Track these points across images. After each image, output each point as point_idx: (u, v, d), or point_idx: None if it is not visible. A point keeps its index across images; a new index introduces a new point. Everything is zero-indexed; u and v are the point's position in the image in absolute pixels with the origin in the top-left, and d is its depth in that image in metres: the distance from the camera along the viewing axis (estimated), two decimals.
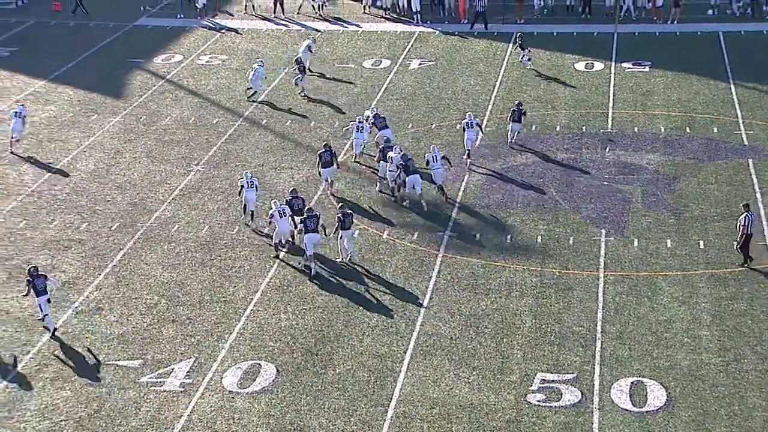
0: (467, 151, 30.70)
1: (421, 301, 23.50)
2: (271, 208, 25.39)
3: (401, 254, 25.66)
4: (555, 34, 43.74)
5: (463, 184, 29.46)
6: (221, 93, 37.37)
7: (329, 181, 28.79)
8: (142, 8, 47.90)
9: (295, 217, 25.47)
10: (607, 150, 31.55)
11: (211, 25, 45.98)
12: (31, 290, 22.31)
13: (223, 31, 44.97)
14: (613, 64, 39.61)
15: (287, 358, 21.47)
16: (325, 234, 25.17)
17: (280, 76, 38.79)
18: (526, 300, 23.47)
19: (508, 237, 26.47)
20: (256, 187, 27.10)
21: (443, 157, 28.43)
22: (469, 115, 31.13)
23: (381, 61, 40.49)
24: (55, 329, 22.44)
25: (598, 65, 39.66)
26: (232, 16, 47.27)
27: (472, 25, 44.33)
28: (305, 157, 31.36)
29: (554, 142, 32.31)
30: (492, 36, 42.97)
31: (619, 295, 23.60)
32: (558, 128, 33.47)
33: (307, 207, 25.62)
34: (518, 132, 32.01)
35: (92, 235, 26.87)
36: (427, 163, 28.22)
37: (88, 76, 39.19)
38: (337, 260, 25.28)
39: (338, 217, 25.08)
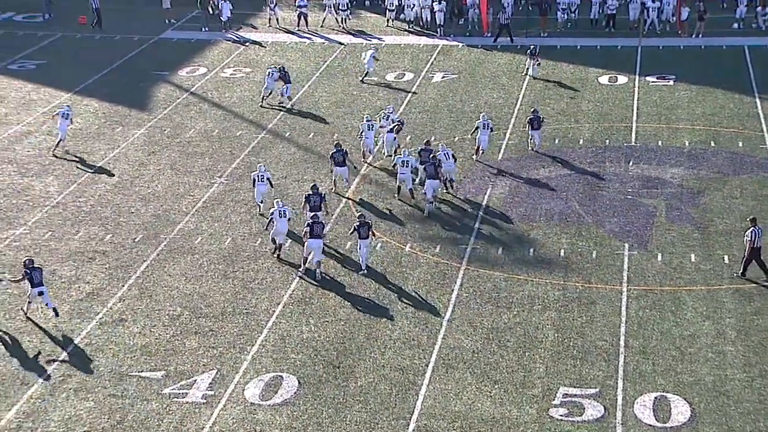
0: (482, 152, 31.61)
1: (443, 314, 23.47)
2: (273, 206, 26.00)
3: (423, 267, 25.65)
4: (579, 47, 43.69)
5: (486, 197, 29.44)
6: (245, 105, 37.58)
7: (345, 181, 29.34)
8: (167, 21, 48.26)
9: (310, 213, 26.01)
10: (631, 164, 31.44)
11: (235, 38, 46.27)
12: (27, 280, 23.02)
13: (247, 44, 45.24)
14: (637, 77, 39.51)
15: (309, 370, 21.49)
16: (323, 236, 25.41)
17: (303, 89, 38.95)
18: (548, 314, 23.39)
19: (531, 250, 26.41)
20: (269, 181, 28.08)
21: (452, 156, 29.32)
22: (483, 115, 31.87)
23: (404, 74, 40.58)
24: (55, 309, 23.40)
25: (622, 79, 39.56)
26: (256, 29, 47.55)
27: (495, 39, 44.37)
28: (327, 169, 31.43)
29: (578, 156, 32.23)
30: (515, 49, 42.96)
31: (643, 309, 23.48)
32: (581, 141, 33.40)
33: (313, 213, 25.83)
34: (537, 139, 32.17)
35: (116, 246, 27.05)
36: (440, 162, 28.72)
37: (113, 89, 39.52)
38: (360, 272, 25.36)
39: (354, 226, 25.30)
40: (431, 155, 29.05)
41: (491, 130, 31.84)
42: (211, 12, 47.63)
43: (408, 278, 25.13)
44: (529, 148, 32.52)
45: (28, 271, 23.03)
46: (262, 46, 44.85)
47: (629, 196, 29.28)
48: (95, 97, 38.67)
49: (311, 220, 25.14)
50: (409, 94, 37.78)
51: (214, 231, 27.80)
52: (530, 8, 47.10)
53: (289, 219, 25.90)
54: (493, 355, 21.84)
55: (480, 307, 23.76)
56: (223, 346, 22.42)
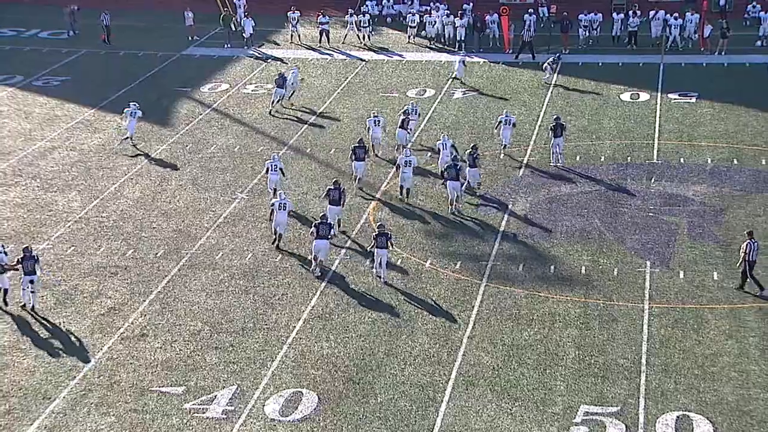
0: (505, 147, 33.18)
1: (463, 331, 23.43)
2: (276, 198, 27.39)
3: (444, 283, 25.63)
4: (600, 64, 43.66)
5: (507, 213, 29.42)
6: (266, 122, 37.75)
7: (358, 178, 30.27)
8: (190, 38, 48.62)
9: (330, 206, 27.44)
10: (653, 181, 31.34)
11: (257, 54, 46.55)
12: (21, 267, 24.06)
13: (269, 60, 45.49)
14: (660, 94, 39.42)
15: (329, 386, 21.49)
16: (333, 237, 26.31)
17: (324, 105, 39.11)
18: (569, 331, 23.30)
19: (552, 267, 26.34)
20: (281, 170, 30.08)
21: (452, 145, 30.94)
22: (506, 111, 33.59)
23: (425, 91, 40.68)
24: (26, 306, 24.36)
25: (644, 96, 39.48)
26: (279, 45, 47.82)
27: (517, 56, 44.41)
28: (348, 184, 31.51)
29: (599, 173, 32.17)
30: (537, 66, 42.97)
31: (665, 327, 23.34)
32: (603, 159, 33.33)
33: (322, 214, 26.62)
34: (560, 147, 32.26)
35: (137, 261, 27.20)
36: (438, 151, 30.89)
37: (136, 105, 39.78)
38: (380, 278, 25.65)
39: (373, 236, 25.61)
40: (475, 158, 30.26)
41: (513, 126, 33.20)
42: (233, 29, 47.95)
43: (428, 294, 25.11)
44: (552, 162, 32.62)
45: (21, 259, 24.01)
46: (284, 63, 45.06)
47: (651, 214, 29.17)
48: (118, 112, 38.89)
49: (318, 221, 25.88)
50: (431, 111, 37.84)
51: (234, 246, 27.91)
52: (552, 25, 47.14)
53: (289, 211, 27.32)
54: (513, 372, 21.77)
55: (500, 323, 23.70)
56: (243, 361, 22.46)
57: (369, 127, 33.15)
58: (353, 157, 30.85)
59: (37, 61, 45.91)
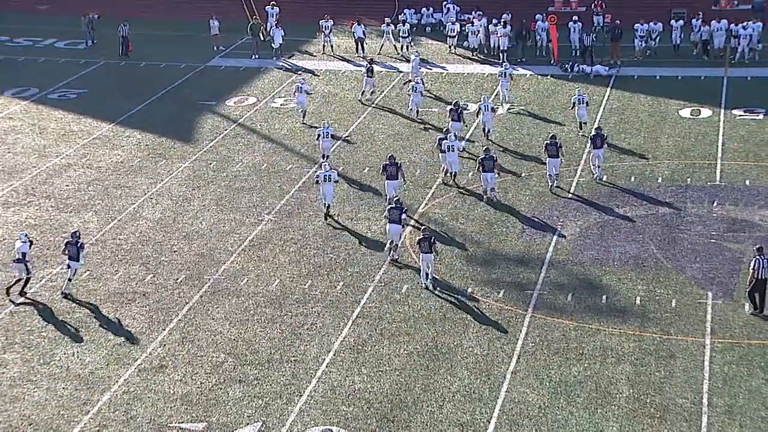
0: (585, 125, 36.72)
1: (506, 366, 23.36)
2: (321, 170, 30.43)
3: (486, 313, 25.60)
4: (658, 77, 43.54)
5: (554, 238, 29.36)
6: (296, 138, 38.02)
7: (394, 194, 30.48)
8: (215, 48, 49.15)
9: (388, 181, 30.50)
10: (715, 204, 31.15)
11: (287, 66, 46.94)
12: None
13: (299, 72, 45.84)
14: (723, 111, 39.22)
15: (361, 424, 21.51)
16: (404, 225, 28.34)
17: (358, 120, 39.34)
18: (623, 367, 23.16)
19: (604, 297, 26.22)
20: (331, 136, 34.22)
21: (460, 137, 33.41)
22: (579, 90, 37.34)
23: (468, 105, 40.75)
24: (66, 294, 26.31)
25: (706, 112, 39.29)
26: (314, 56, 48.17)
27: (571, 68, 44.27)
28: (383, 207, 31.61)
29: (656, 195, 32.03)
30: (588, 79, 42.95)
31: (728, 364, 23.13)
32: (660, 180, 33.19)
33: (396, 197, 29.30)
34: (600, 159, 32.82)
35: (157, 287, 27.44)
36: (449, 149, 32.30)
37: (156, 120, 40.30)
38: (427, 289, 26.34)
39: (418, 240, 26.30)
40: (557, 148, 32.11)
41: (587, 105, 36.93)
42: (262, 38, 48.41)
43: (469, 325, 25.09)
44: (594, 175, 32.79)
45: (66, 243, 26.48)
46: (315, 75, 45.41)
47: (713, 240, 28.97)
48: (138, 128, 39.45)
49: (389, 205, 28.54)
50: (473, 127, 37.89)
51: (261, 272, 28.08)
52: (606, 35, 47.12)
53: (336, 182, 30.47)
54: (561, 412, 21.66)
55: (547, 358, 23.61)
56: (269, 396, 22.55)
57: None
58: (385, 176, 31.20)
59: (52, 72, 46.63)
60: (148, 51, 49.14)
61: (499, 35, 46.34)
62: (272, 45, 47.73)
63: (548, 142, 32.69)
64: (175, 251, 29.42)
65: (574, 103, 36.86)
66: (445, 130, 35.01)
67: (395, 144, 36.75)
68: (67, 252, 26.65)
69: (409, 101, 39.34)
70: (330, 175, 30.31)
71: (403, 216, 27.91)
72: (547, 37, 46.49)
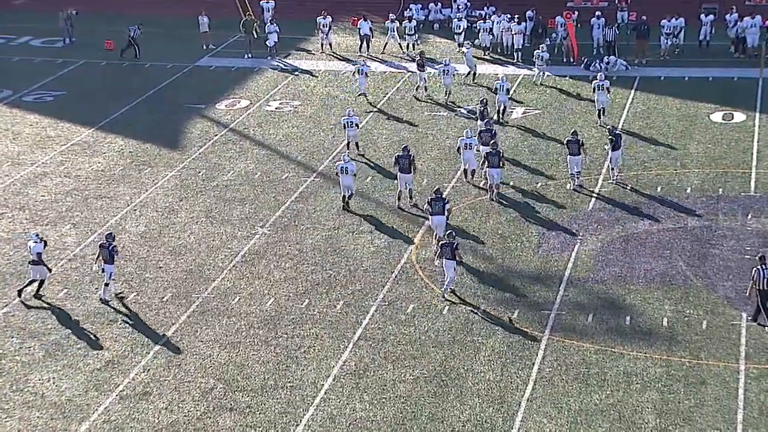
0: (600, 111, 38.73)
1: (522, 393, 23.36)
2: (340, 161, 32.12)
3: (499, 335, 25.62)
4: (686, 78, 43.61)
5: (573, 253, 29.38)
6: (292, 144, 38.11)
7: (407, 188, 31.90)
8: (204, 46, 49.30)
9: (401, 174, 31.89)
10: (750, 217, 31.17)
11: (282, 66, 47.07)
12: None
13: (296, 72, 45.97)
14: (758, 114, 39.27)
15: None
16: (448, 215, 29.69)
17: (360, 124, 39.38)
18: (648, 394, 23.15)
19: (628, 318, 26.23)
20: (356, 125, 35.96)
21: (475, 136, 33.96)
22: (600, 76, 38.92)
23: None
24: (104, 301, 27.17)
25: (739, 116, 39.33)
26: (313, 54, 48.28)
27: (589, 65, 44.40)
28: (387, 219, 31.69)
29: (685, 206, 32.05)
30: (612, 80, 42.98)
31: (765, 392, 23.12)
32: (689, 190, 33.22)
33: (436, 188, 30.41)
34: (617, 161, 33.41)
35: (141, 306, 27.47)
36: (466, 146, 33.32)
37: (141, 124, 40.40)
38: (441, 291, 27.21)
39: (442, 244, 27.05)
40: (578, 145, 33.04)
41: (608, 90, 38.76)
42: (255, 36, 48.56)
43: (480, 348, 25.10)
44: (611, 179, 33.23)
45: (100, 246, 27.30)
46: (314, 76, 45.54)
47: (747, 256, 28.96)
48: (120, 133, 39.55)
49: (431, 196, 29.56)
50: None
51: (254, 290, 28.12)
52: (629, 32, 47.22)
53: (355, 174, 32.14)
54: None
55: (566, 384, 23.61)
56: (262, 425, 22.56)
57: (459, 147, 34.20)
58: (398, 169, 32.35)
59: (27, 73, 46.82)
60: (131, 50, 49.25)
61: (513, 33, 46.43)
62: (266, 43, 47.86)
63: (569, 138, 33.27)
64: (160, 267, 29.47)
65: (594, 89, 38.51)
66: (464, 129, 35.36)
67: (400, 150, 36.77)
68: (100, 256, 27.33)
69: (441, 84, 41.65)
70: (347, 167, 31.86)
71: (446, 206, 29.49)
72: (565, 32, 46.55)
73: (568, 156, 33.19)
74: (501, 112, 39.15)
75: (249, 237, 31.11)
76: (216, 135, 39.21)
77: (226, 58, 48.37)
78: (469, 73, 43.82)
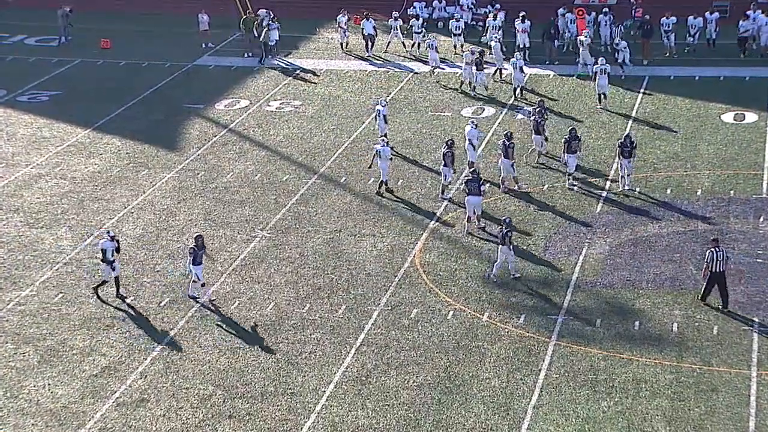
0: (601, 95, 40.34)
1: (528, 399, 23.35)
2: (375, 147, 33.33)
3: (504, 341, 25.61)
4: (697, 78, 43.59)
5: (581, 257, 29.37)
6: (293, 145, 38.13)
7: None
8: (203, 45, 49.32)
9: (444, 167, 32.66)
10: (762, 220, 31.15)
11: (283, 65, 47.08)
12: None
13: (297, 72, 45.98)
14: None
15: None
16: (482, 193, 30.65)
17: (362, 126, 39.41)
18: (658, 401, 23.14)
19: (637, 323, 26.22)
20: (384, 117, 36.31)
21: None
22: (602, 60, 39.90)
23: (483, 109, 40.84)
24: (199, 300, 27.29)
25: (751, 116, 39.32)
26: (316, 53, 48.25)
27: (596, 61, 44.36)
28: (390, 221, 31.69)
29: (694, 209, 32.04)
30: (620, 80, 43.02)
31: None
32: (699, 192, 33.20)
33: (472, 169, 31.55)
34: (630, 170, 32.98)
35: (138, 311, 27.47)
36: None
37: (138, 125, 40.42)
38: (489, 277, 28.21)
39: (500, 231, 28.15)
40: (578, 142, 33.66)
41: (609, 75, 39.95)
42: (256, 35, 48.55)
43: (485, 354, 25.09)
44: (620, 187, 33.01)
45: (194, 249, 27.44)
46: (315, 75, 45.55)
47: (759, 260, 28.96)
48: (117, 134, 39.57)
49: (467, 176, 30.92)
50: (490, 133, 37.97)
51: (254, 294, 28.12)
52: (632, 32, 47.15)
53: (390, 159, 33.28)
54: None
55: (573, 391, 23.60)
56: None
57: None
58: (444, 162, 32.87)
59: (22, 72, 46.85)
60: (129, 49, 49.33)
61: (518, 30, 46.35)
62: (267, 42, 47.85)
63: (568, 136, 33.45)
64: (158, 271, 29.48)
65: (595, 74, 39.79)
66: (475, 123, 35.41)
67: (405, 151, 36.81)
68: (191, 255, 27.53)
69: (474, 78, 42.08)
70: (381, 151, 33.20)
71: (483, 187, 30.63)
72: (576, 32, 46.48)
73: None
74: (519, 89, 41.11)
75: (249, 240, 31.11)
76: (215, 136, 39.23)
77: (225, 57, 48.38)
78: (496, 70, 43.60)
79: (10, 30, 53.06)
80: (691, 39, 46.24)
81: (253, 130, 39.70)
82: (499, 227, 28.46)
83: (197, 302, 27.45)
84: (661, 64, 45.12)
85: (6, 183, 35.61)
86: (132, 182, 35.41)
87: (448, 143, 33.11)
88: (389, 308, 27.12)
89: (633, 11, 49.02)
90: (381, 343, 25.61)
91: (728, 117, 39.37)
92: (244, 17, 49.09)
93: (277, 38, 47.88)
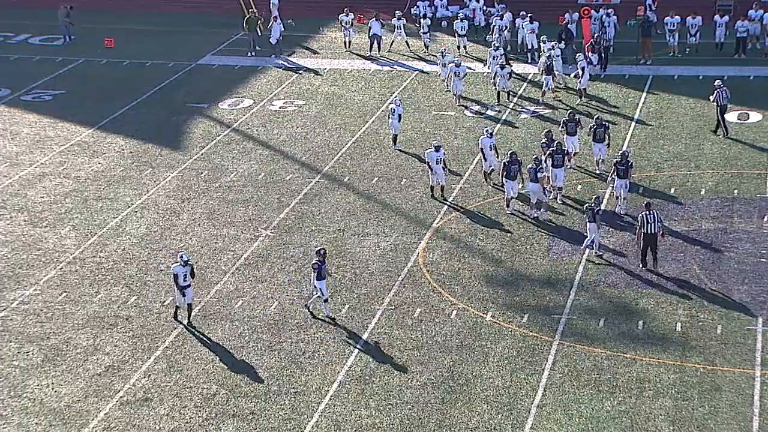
0: (582, 90, 40.79)
1: (531, 399, 23.37)
2: (429, 149, 33.04)
3: (508, 340, 25.62)
4: (701, 77, 43.55)
5: (584, 257, 29.37)
6: (296, 144, 38.15)
7: (513, 195, 31.81)
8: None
9: (507, 181, 31.69)
10: (766, 219, 31.14)
11: (286, 64, 47.11)
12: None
13: (300, 71, 46.01)
14: None
15: None
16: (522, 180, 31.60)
17: (365, 126, 39.43)
18: (662, 401, 23.15)
19: (640, 323, 26.23)
20: (399, 116, 36.67)
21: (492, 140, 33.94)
22: (580, 56, 40.54)
23: (487, 108, 40.83)
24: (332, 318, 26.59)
25: (755, 116, 39.31)
26: (317, 53, 48.32)
27: (604, 65, 44.17)
28: (393, 221, 31.72)
29: (698, 209, 32.03)
30: (623, 79, 43.03)
31: None
32: (703, 192, 33.20)
33: (512, 155, 31.70)
34: (626, 191, 31.69)
35: (141, 310, 27.52)
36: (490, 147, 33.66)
37: (142, 124, 40.46)
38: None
39: (586, 207, 29.39)
40: (576, 122, 34.56)
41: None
42: (259, 33, 48.56)
43: (489, 354, 25.11)
44: (616, 210, 31.87)
45: (317, 263, 26.30)
46: (318, 74, 45.57)
47: (763, 259, 28.95)
48: (121, 133, 39.62)
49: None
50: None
51: (257, 293, 28.15)
52: (637, 29, 47.06)
53: (444, 166, 32.56)
54: None
55: (577, 390, 23.61)
56: (266, 431, 22.63)
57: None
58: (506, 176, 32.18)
59: (26, 72, 46.88)
60: (133, 48, 49.37)
61: (526, 31, 46.25)
62: (270, 41, 47.87)
63: (566, 118, 34.13)
64: (161, 271, 29.51)
65: (582, 68, 40.30)
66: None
67: (408, 151, 36.81)
68: (315, 270, 26.32)
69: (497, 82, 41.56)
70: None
71: (540, 175, 30.91)
72: (579, 31, 46.42)
73: (566, 136, 34.19)
74: (507, 93, 41.41)
75: (252, 239, 31.14)
76: (219, 135, 39.26)
77: (228, 56, 48.40)
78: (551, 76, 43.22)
79: (15, 29, 53.09)
80: (692, 39, 46.18)
81: (256, 130, 39.73)
82: (587, 204, 29.52)
83: (314, 316, 26.71)
84: (666, 64, 45.08)
85: (10, 182, 35.66)
86: (136, 181, 35.45)
87: (512, 156, 31.90)
88: (392, 307, 27.15)
89: (649, 12, 48.53)
90: (384, 343, 25.64)
91: (732, 116, 39.32)
92: (248, 16, 49.08)
93: (280, 37, 47.83)
